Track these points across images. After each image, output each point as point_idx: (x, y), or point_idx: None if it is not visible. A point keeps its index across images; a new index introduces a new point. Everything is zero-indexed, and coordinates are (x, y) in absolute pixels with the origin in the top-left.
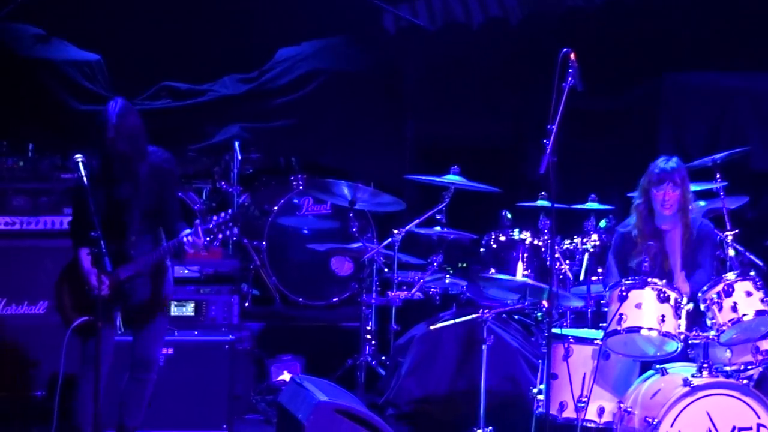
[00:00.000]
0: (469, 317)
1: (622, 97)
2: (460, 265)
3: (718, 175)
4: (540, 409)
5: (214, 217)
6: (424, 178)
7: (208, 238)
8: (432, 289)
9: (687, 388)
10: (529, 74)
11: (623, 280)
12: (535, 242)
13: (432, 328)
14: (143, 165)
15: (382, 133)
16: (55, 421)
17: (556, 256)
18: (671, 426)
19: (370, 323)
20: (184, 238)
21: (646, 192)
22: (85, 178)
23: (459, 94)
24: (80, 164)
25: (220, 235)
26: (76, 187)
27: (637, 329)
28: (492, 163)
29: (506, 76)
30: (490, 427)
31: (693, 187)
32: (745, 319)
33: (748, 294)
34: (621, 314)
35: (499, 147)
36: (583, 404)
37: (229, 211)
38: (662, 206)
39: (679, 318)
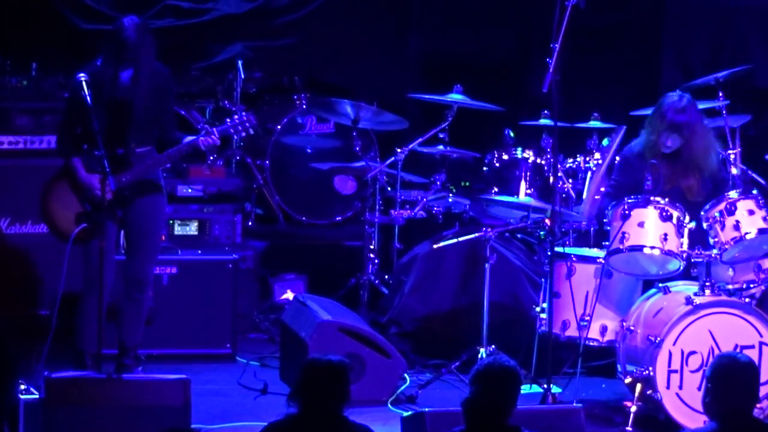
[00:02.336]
0: (472, 236)
1: (624, 13)
2: (463, 183)
3: (720, 93)
4: (543, 328)
5: (228, 120)
6: (427, 96)
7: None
8: (435, 208)
9: (689, 307)
10: None
11: (626, 198)
12: (538, 161)
13: (435, 246)
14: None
15: (385, 50)
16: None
17: (559, 174)
18: (674, 344)
19: (373, 242)
20: (200, 139)
21: (656, 129)
22: (88, 98)
23: (463, 9)
24: (83, 83)
25: (235, 137)
26: (72, 102)
27: (639, 248)
28: (495, 81)
29: None
30: (493, 345)
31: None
32: (747, 237)
33: (751, 212)
34: (623, 233)
35: (503, 64)
36: (585, 323)
37: (242, 114)
38: (666, 150)
39: (682, 237)
